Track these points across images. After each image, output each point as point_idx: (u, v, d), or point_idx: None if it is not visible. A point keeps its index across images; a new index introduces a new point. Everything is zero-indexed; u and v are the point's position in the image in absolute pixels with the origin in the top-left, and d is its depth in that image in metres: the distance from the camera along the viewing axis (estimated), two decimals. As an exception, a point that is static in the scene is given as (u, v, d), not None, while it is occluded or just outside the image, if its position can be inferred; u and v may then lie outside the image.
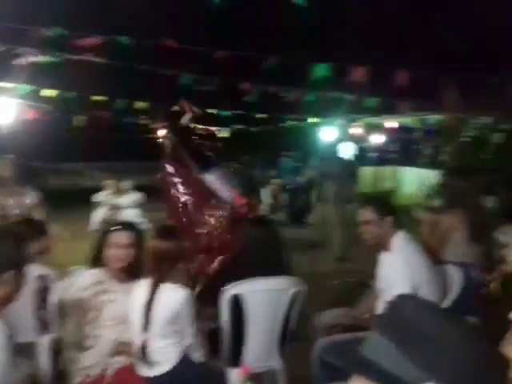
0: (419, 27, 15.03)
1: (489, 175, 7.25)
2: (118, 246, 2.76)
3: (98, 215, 11.03)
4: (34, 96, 7.50)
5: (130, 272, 2.80)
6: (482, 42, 12.44)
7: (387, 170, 15.07)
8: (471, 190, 3.96)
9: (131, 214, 11.21)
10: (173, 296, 2.60)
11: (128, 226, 2.98)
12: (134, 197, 11.40)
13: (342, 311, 3.44)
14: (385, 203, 3.02)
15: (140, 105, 9.35)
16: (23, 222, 3.83)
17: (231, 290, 2.88)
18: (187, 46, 5.95)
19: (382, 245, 2.90)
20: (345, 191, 7.60)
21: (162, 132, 12.00)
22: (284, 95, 8.10)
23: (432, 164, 13.10)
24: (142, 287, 2.65)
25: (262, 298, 2.93)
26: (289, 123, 11.92)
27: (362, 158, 16.51)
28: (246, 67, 7.12)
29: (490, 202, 4.58)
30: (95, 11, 12.43)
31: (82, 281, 2.97)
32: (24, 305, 3.00)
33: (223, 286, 2.90)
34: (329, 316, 3.40)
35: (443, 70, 5.19)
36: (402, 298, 0.94)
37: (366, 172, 15.41)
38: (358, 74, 6.43)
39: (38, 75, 6.83)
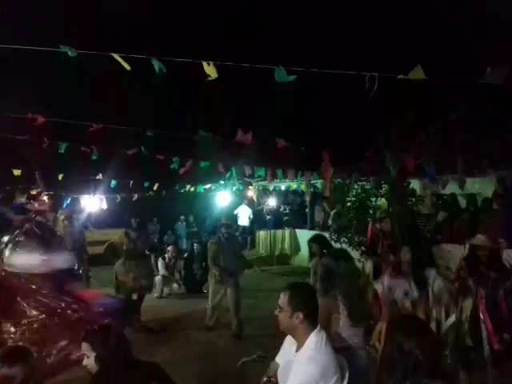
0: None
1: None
2: None
3: None
4: None
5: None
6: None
7: (283, 232, 15.38)
8: (348, 272, 4.00)
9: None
10: None
11: None
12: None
13: None
14: (303, 294, 2.71)
15: (15, 172, 8.62)
16: None
17: None
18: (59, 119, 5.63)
19: (295, 338, 2.68)
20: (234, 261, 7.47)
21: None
22: (173, 164, 7.95)
23: (323, 227, 13.70)
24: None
25: None
26: (183, 190, 11.78)
27: (259, 221, 16.79)
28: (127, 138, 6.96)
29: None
30: None
31: None
32: None
33: None
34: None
35: (322, 143, 5.54)
36: None
37: (263, 235, 15.61)
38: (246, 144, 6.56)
39: None
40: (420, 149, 7.98)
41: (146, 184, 10.24)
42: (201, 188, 11.52)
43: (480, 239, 4.89)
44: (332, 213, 12.34)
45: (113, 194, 10.72)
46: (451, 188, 8.83)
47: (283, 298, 2.68)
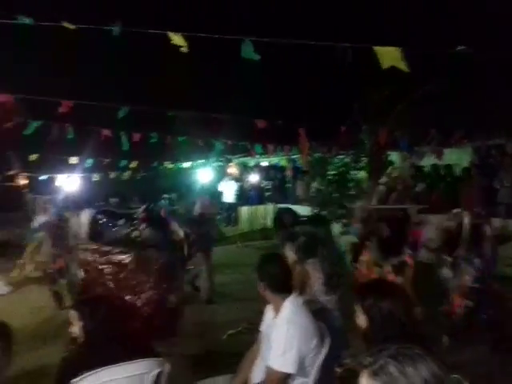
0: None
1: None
2: None
3: None
4: None
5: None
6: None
7: (264, 208, 15.43)
8: (328, 237, 4.05)
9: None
10: None
11: None
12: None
13: (224, 380, 3.16)
14: (263, 265, 2.83)
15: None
16: None
17: (81, 382, 2.50)
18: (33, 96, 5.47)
19: (272, 306, 2.80)
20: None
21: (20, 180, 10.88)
22: (152, 140, 7.86)
23: (304, 201, 13.79)
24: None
25: None
26: (164, 167, 11.68)
27: (241, 197, 16.79)
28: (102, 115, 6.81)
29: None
30: None
31: None
32: None
33: (71, 377, 2.51)
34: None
35: (300, 118, 5.54)
36: None
37: (244, 211, 15.65)
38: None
39: None
40: (396, 121, 8.02)
41: (124, 162, 10.10)
42: (180, 166, 11.45)
43: (457, 213, 4.94)
44: (312, 187, 12.42)
45: (89, 173, 10.56)
46: (430, 160, 8.97)
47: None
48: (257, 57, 3.48)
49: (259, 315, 3.11)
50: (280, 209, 5.87)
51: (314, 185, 12.34)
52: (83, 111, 6.13)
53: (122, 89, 13.16)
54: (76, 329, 2.76)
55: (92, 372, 2.55)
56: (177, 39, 3.52)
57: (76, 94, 6.05)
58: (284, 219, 4.42)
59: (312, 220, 4.76)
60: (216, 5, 15.81)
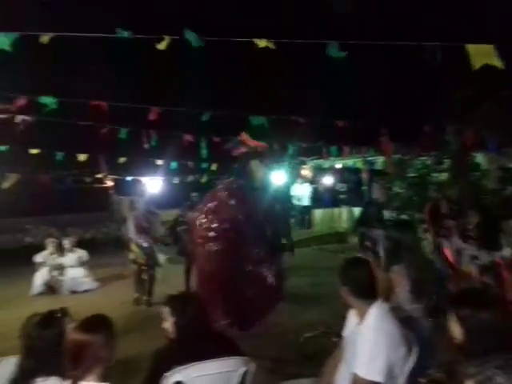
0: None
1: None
2: None
3: (40, 277, 10.24)
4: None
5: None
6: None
7: (338, 211, 15.23)
8: (415, 243, 3.90)
9: (76, 274, 10.56)
10: None
11: None
12: (78, 254, 10.76)
13: (308, 383, 3.15)
14: (347, 269, 2.74)
15: (81, 157, 9.10)
16: None
17: (173, 376, 2.62)
18: (124, 104, 5.87)
19: (356, 312, 2.71)
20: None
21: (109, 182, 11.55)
22: (228, 145, 8.07)
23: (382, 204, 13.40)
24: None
25: (209, 382, 2.70)
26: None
27: (316, 199, 16.70)
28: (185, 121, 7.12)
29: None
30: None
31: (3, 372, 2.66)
32: None
33: (165, 371, 2.63)
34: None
35: (379, 119, 5.39)
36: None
37: (318, 214, 15.53)
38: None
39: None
40: (483, 120, 7.53)
41: (204, 165, 10.46)
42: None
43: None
44: (392, 190, 12.04)
45: (172, 176, 11.07)
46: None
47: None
48: (342, 55, 3.46)
49: (336, 319, 3.05)
50: (366, 202, 5.76)
51: (393, 188, 11.96)
52: (168, 117, 6.48)
53: (205, 95, 13.67)
54: (168, 324, 2.91)
55: (182, 367, 2.67)
56: (261, 43, 3.60)
57: (162, 101, 6.39)
58: (369, 211, 4.32)
59: (397, 224, 4.61)
60: (301, 7, 15.82)
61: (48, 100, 4.86)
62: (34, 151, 7.96)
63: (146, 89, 12.95)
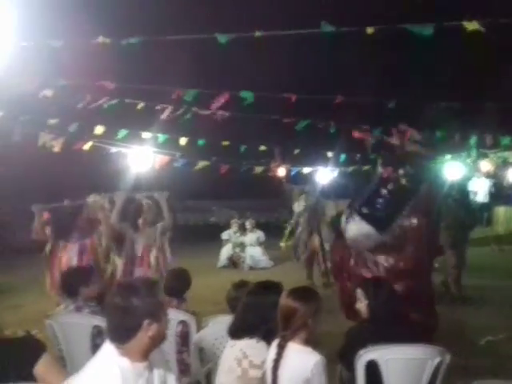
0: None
1: None
2: None
3: (225, 252, 11.98)
4: (170, 144, 8.47)
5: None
6: None
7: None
8: None
9: (255, 252, 11.88)
10: (303, 362, 2.52)
11: None
12: (257, 235, 12.10)
13: None
14: None
15: (261, 148, 9.91)
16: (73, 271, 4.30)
17: (367, 355, 2.76)
18: (305, 96, 6.24)
19: None
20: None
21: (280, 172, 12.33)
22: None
23: None
24: (273, 345, 2.67)
25: (402, 366, 2.73)
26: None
27: (497, 196, 15.16)
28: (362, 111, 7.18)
29: None
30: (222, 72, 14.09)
31: (216, 329, 3.19)
32: (166, 348, 3.19)
33: (358, 348, 2.81)
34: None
35: None
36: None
37: (501, 212, 14.06)
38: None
39: (174, 127, 7.73)
40: None
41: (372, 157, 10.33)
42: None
43: None
44: None
45: (341, 167, 11.23)
46: None
47: None
48: None
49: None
50: None
51: None
52: (343, 109, 6.66)
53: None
54: (361, 305, 3.17)
55: (377, 347, 2.83)
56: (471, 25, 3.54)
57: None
58: None
59: None
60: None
61: (247, 94, 5.45)
62: (225, 143, 8.99)
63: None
